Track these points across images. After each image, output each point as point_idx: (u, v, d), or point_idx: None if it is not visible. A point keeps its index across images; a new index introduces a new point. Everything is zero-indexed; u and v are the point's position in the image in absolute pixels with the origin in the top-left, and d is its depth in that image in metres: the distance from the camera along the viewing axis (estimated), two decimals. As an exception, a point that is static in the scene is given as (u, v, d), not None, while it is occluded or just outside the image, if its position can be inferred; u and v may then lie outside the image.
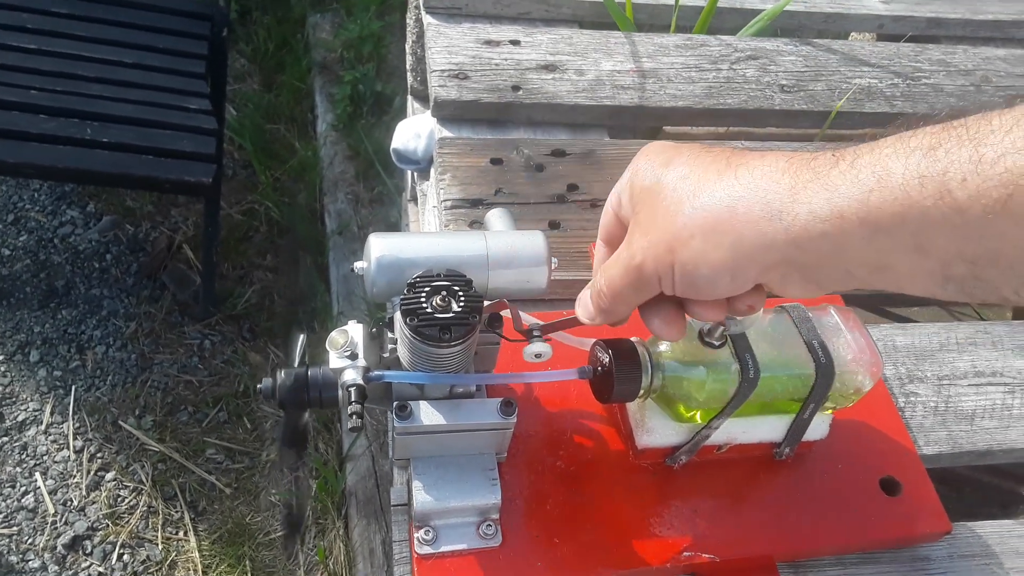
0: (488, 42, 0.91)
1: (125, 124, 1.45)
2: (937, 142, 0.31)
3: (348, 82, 2.02)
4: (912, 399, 0.70)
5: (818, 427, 0.58)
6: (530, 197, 0.77)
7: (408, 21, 1.11)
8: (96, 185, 1.83)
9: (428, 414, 0.49)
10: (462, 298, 0.46)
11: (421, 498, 0.50)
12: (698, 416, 0.53)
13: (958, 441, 0.67)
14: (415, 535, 0.51)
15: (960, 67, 1.02)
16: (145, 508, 1.43)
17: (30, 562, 1.35)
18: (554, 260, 0.50)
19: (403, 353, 0.48)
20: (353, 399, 0.46)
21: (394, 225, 1.80)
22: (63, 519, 1.40)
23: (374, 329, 0.52)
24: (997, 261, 0.31)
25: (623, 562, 0.53)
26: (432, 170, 0.87)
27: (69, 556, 1.37)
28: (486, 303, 0.49)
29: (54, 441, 1.49)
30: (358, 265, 0.49)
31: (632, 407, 0.57)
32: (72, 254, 1.76)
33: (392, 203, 1.87)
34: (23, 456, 1.47)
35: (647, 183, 0.41)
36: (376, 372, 0.48)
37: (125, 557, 1.38)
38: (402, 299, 0.46)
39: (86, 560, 1.37)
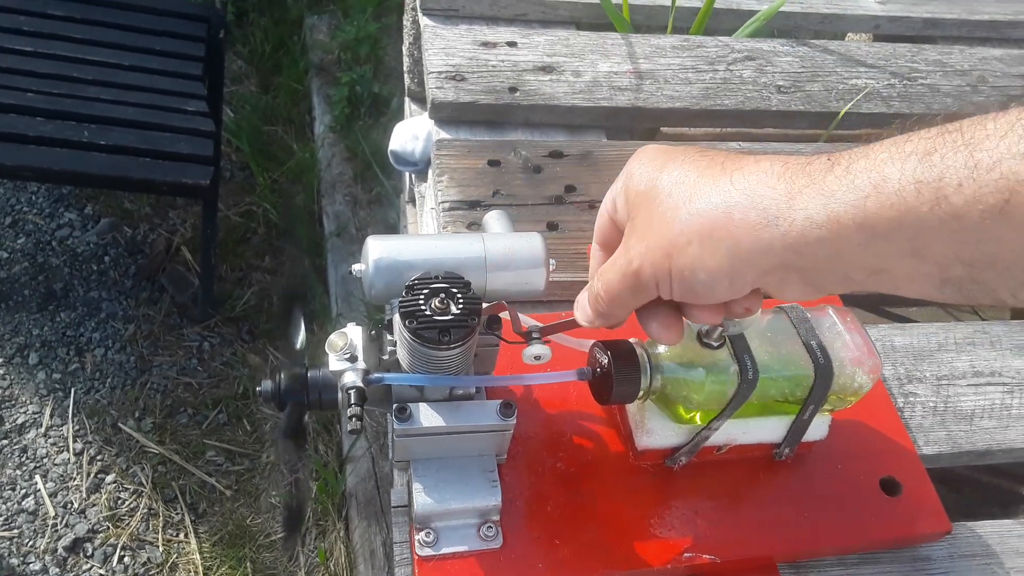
0: (485, 44, 0.91)
1: (122, 126, 1.45)
2: (932, 147, 0.31)
3: (345, 84, 2.02)
4: (911, 399, 0.70)
5: (818, 428, 0.58)
6: (528, 198, 0.77)
7: (405, 23, 1.11)
8: (94, 187, 1.82)
9: (428, 416, 0.49)
10: (461, 300, 0.46)
11: (422, 500, 0.51)
12: (697, 417, 0.53)
13: (957, 441, 0.67)
14: (416, 537, 0.51)
15: (957, 67, 1.02)
16: (145, 510, 1.43)
17: (31, 565, 1.35)
18: (552, 262, 0.51)
19: (402, 355, 0.48)
20: (353, 401, 0.46)
21: (392, 227, 1.80)
22: (64, 521, 1.40)
23: (373, 331, 0.52)
24: (994, 264, 0.31)
25: (624, 563, 0.53)
26: (430, 172, 0.87)
27: (70, 558, 1.37)
28: (484, 305, 0.49)
29: (54, 444, 1.49)
30: (356, 267, 0.49)
31: (632, 408, 0.57)
32: (70, 256, 1.75)
33: (390, 205, 1.88)
34: (23, 459, 1.47)
35: (642, 187, 0.41)
36: (375, 374, 0.48)
37: (126, 559, 1.38)
38: (401, 301, 0.46)
39: (87, 563, 1.36)
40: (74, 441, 1.50)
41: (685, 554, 0.53)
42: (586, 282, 0.48)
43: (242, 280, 1.79)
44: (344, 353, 0.48)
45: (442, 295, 0.46)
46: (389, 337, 0.51)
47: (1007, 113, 0.30)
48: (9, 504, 1.41)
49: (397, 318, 0.46)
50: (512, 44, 0.92)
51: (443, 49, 0.90)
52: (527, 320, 0.52)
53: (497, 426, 0.50)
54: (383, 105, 2.07)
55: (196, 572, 1.38)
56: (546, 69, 0.90)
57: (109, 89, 1.50)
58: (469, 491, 0.51)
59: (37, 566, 1.35)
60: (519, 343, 0.50)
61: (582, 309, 0.47)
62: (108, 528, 1.40)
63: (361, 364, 0.48)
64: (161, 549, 1.39)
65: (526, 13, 1.00)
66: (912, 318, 0.91)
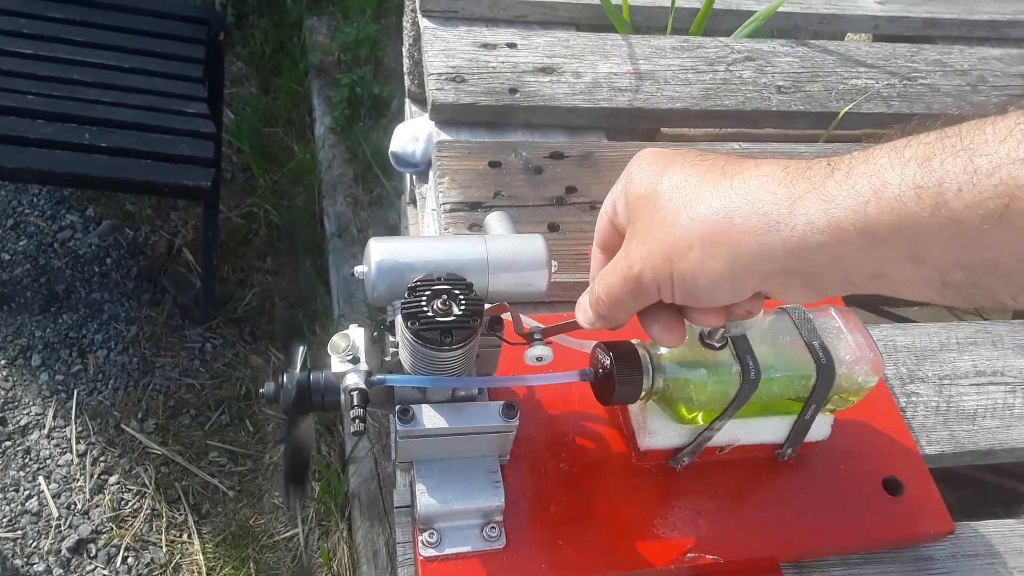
0: (485, 45, 0.92)
1: (123, 129, 1.45)
2: (932, 152, 0.31)
3: (345, 85, 2.02)
4: (913, 399, 0.70)
5: (820, 428, 0.58)
6: (529, 200, 0.77)
7: (405, 24, 1.11)
8: (95, 189, 1.83)
9: (430, 417, 0.49)
10: (463, 302, 0.46)
11: (425, 501, 0.51)
12: (700, 418, 0.53)
13: (960, 441, 0.67)
14: (419, 538, 0.51)
15: (956, 67, 1.02)
16: (149, 511, 1.44)
17: (35, 566, 1.35)
18: (554, 263, 0.51)
19: (405, 357, 0.48)
20: (356, 403, 0.47)
21: (393, 228, 1.80)
22: (67, 523, 1.41)
23: (375, 333, 0.52)
24: (995, 269, 0.31)
25: (626, 563, 0.53)
26: (431, 173, 0.87)
27: (73, 559, 1.37)
28: (486, 306, 0.49)
29: (57, 445, 1.49)
30: (358, 269, 0.49)
31: (634, 409, 0.57)
32: (72, 258, 1.76)
33: (391, 206, 1.88)
34: (26, 460, 1.47)
35: (642, 191, 0.41)
36: (378, 376, 0.48)
37: (129, 560, 1.38)
38: (403, 303, 0.46)
39: (90, 563, 1.37)
40: (77, 442, 1.50)
41: (688, 554, 0.54)
42: (587, 283, 0.48)
43: (244, 281, 1.79)
44: (346, 355, 0.48)
45: (444, 296, 0.46)
46: (391, 339, 0.51)
47: (1006, 117, 0.30)
48: (13, 505, 1.41)
49: (399, 319, 0.46)
50: (512, 45, 0.92)
51: (443, 51, 0.90)
52: (529, 321, 0.52)
53: (500, 427, 0.50)
54: (383, 106, 2.07)
55: (199, 573, 1.38)
56: (546, 70, 0.90)
57: (110, 91, 1.50)
58: (472, 492, 0.51)
59: (41, 567, 1.35)
60: (521, 344, 0.51)
61: (583, 311, 0.47)
62: (111, 529, 1.41)
63: (363, 366, 0.48)
64: (164, 550, 1.40)
65: (526, 14, 1.00)
66: (914, 318, 0.91)
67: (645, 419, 0.56)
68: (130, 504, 1.44)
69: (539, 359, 0.50)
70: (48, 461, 1.48)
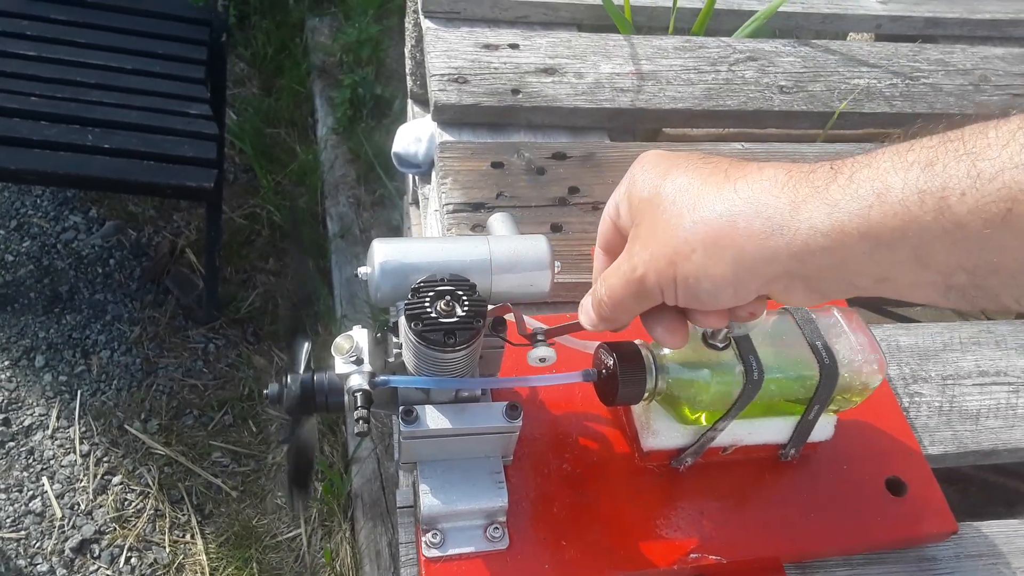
0: (487, 46, 0.92)
1: (126, 130, 1.45)
2: (935, 156, 0.31)
3: (347, 86, 2.02)
4: (916, 399, 0.70)
5: (823, 428, 0.58)
6: (531, 200, 0.77)
7: (407, 25, 1.11)
8: (98, 191, 1.83)
9: (434, 418, 0.49)
10: (466, 303, 0.46)
11: (428, 501, 0.51)
12: (703, 418, 0.53)
13: (963, 441, 0.67)
14: (423, 538, 0.51)
15: (959, 67, 1.02)
16: (152, 511, 1.44)
17: (38, 566, 1.35)
18: (557, 264, 0.51)
19: (408, 358, 0.49)
20: (359, 404, 0.47)
21: (396, 228, 1.80)
22: (71, 523, 1.41)
23: (379, 334, 0.52)
24: (998, 272, 0.31)
25: (630, 564, 0.53)
26: (433, 174, 0.87)
27: (77, 560, 1.37)
28: (490, 307, 0.49)
29: (60, 445, 1.50)
30: (362, 270, 0.49)
31: (637, 410, 0.57)
32: (75, 259, 1.76)
33: (394, 206, 1.88)
34: (30, 460, 1.48)
35: (646, 194, 0.41)
36: (382, 377, 0.48)
37: (133, 560, 1.38)
38: (406, 304, 0.46)
39: (94, 563, 1.37)
40: (80, 443, 1.50)
41: (691, 555, 0.54)
42: (590, 284, 0.48)
43: (246, 282, 1.80)
44: (350, 356, 0.49)
45: (448, 297, 0.46)
46: (395, 339, 0.51)
47: (1008, 121, 0.30)
48: (16, 506, 1.42)
49: (403, 320, 0.46)
50: (514, 46, 0.92)
51: (445, 51, 0.90)
52: (532, 322, 0.52)
53: (503, 428, 0.50)
54: (385, 107, 2.07)
55: (202, 573, 1.38)
56: (548, 71, 0.90)
57: (112, 93, 1.50)
58: (475, 492, 0.51)
59: (44, 567, 1.35)
60: (524, 345, 0.51)
61: (586, 313, 0.47)
62: (115, 529, 1.41)
63: (367, 367, 0.48)
64: (167, 550, 1.40)
65: (528, 15, 1.00)
66: (917, 318, 0.91)
67: (648, 420, 0.56)
68: (133, 504, 1.45)
69: (542, 360, 0.50)
70: (52, 461, 1.48)
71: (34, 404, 1.55)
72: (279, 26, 2.29)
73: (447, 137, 0.86)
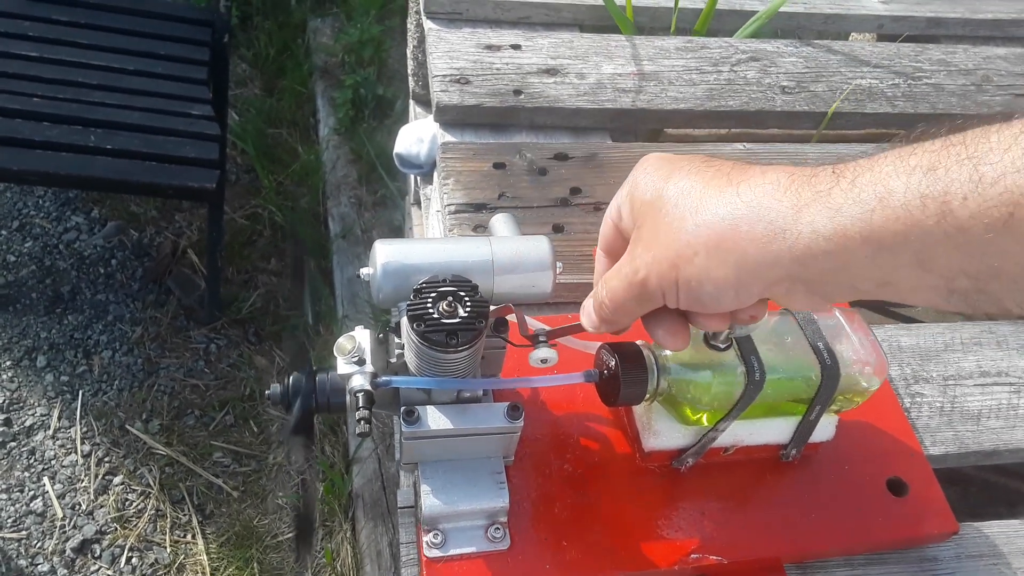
0: (489, 47, 0.92)
1: (128, 131, 1.45)
2: (937, 161, 0.31)
3: (349, 86, 2.02)
4: (918, 399, 0.70)
5: (824, 428, 0.58)
6: (533, 201, 0.77)
7: (409, 26, 1.11)
8: (100, 191, 1.83)
9: (435, 419, 0.49)
10: (468, 303, 0.46)
11: (429, 502, 0.51)
12: (704, 419, 0.53)
13: (964, 441, 0.67)
14: (424, 538, 0.52)
15: (961, 67, 1.02)
16: (153, 511, 1.44)
17: (39, 566, 1.36)
18: (559, 264, 0.51)
19: (410, 358, 0.49)
20: (361, 404, 0.47)
21: (398, 229, 1.80)
22: (72, 523, 1.41)
23: (380, 335, 0.52)
24: (999, 277, 0.31)
25: (631, 564, 0.53)
26: (435, 175, 0.88)
27: (78, 560, 1.37)
28: (492, 308, 0.49)
29: (62, 446, 1.50)
30: (364, 271, 0.49)
31: (639, 410, 0.57)
32: (77, 260, 1.76)
33: (395, 207, 1.88)
34: (31, 461, 1.48)
35: (648, 197, 0.41)
36: (383, 377, 0.49)
37: (134, 560, 1.38)
38: (408, 305, 0.46)
39: (95, 564, 1.37)
40: (82, 443, 1.50)
41: (692, 555, 0.54)
42: (592, 284, 0.48)
43: (248, 282, 1.80)
44: (352, 356, 0.49)
45: (449, 298, 0.46)
46: (397, 340, 0.51)
47: (1011, 125, 0.30)
48: (17, 506, 1.42)
49: (405, 321, 0.46)
50: (516, 47, 0.92)
51: (447, 52, 0.90)
52: (534, 323, 0.52)
53: (504, 428, 0.51)
54: (387, 107, 2.07)
55: (203, 573, 1.38)
56: (550, 71, 0.90)
57: (114, 94, 1.51)
58: (477, 493, 0.51)
59: (45, 567, 1.36)
60: (526, 346, 0.51)
61: (587, 315, 0.47)
62: (116, 529, 1.41)
63: (369, 367, 0.48)
64: (168, 550, 1.40)
65: (530, 16, 1.00)
66: (918, 318, 0.90)
67: (650, 420, 0.56)
68: (134, 504, 1.45)
69: (544, 361, 0.50)
70: (53, 462, 1.48)
71: (35, 404, 1.55)
72: (281, 27, 2.29)
73: (449, 138, 0.86)
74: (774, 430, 0.57)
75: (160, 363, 1.63)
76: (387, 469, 1.46)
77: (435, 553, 0.51)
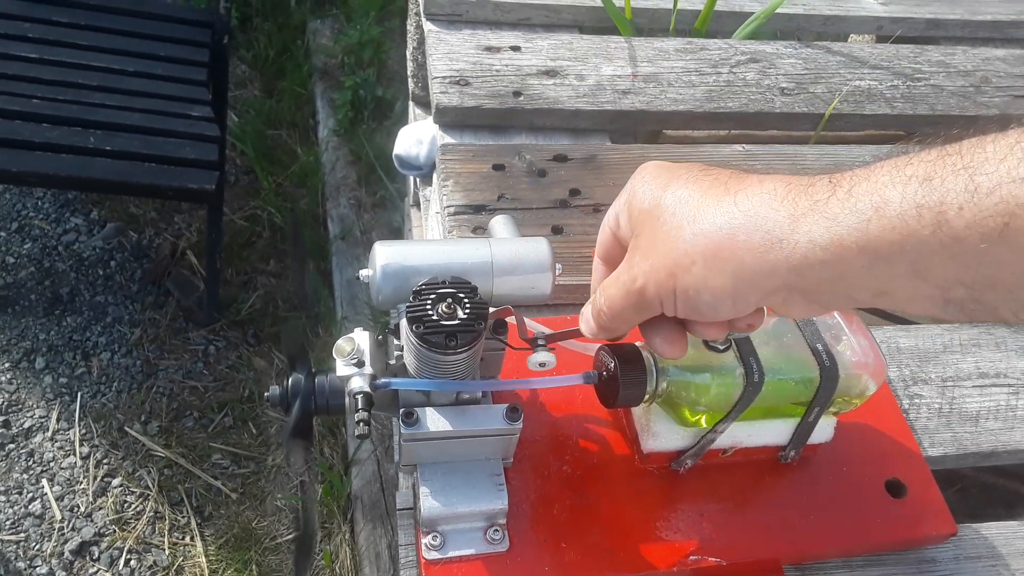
0: (489, 48, 0.92)
1: (128, 132, 1.45)
2: (933, 171, 0.31)
3: (349, 87, 2.02)
4: (916, 401, 0.70)
5: (823, 430, 0.58)
6: (532, 202, 0.77)
7: (408, 27, 1.11)
8: (99, 193, 1.83)
9: (435, 420, 0.49)
10: (467, 305, 0.46)
11: (428, 504, 0.51)
12: (703, 420, 0.53)
13: (963, 443, 0.67)
14: (423, 540, 0.52)
15: (960, 68, 1.02)
16: (152, 513, 1.44)
17: (38, 568, 1.35)
18: (558, 266, 0.51)
19: (409, 360, 0.49)
20: (360, 406, 0.47)
21: (397, 230, 1.80)
22: (70, 525, 1.41)
23: (380, 336, 0.52)
24: (995, 287, 0.31)
25: (630, 566, 0.53)
26: (435, 176, 0.88)
27: (76, 562, 1.37)
28: (491, 310, 0.49)
29: (60, 447, 1.50)
30: (363, 273, 0.50)
31: (637, 412, 0.57)
32: (76, 261, 1.76)
33: (395, 208, 1.88)
34: (30, 462, 1.48)
35: (646, 205, 0.41)
36: (383, 379, 0.49)
37: (132, 562, 1.38)
38: (408, 306, 0.46)
39: (93, 566, 1.37)
40: (80, 445, 1.50)
41: (691, 557, 0.54)
42: (591, 285, 0.48)
43: (247, 284, 1.80)
44: (351, 358, 0.49)
45: (449, 300, 0.46)
46: (396, 342, 0.51)
47: (1006, 135, 0.30)
48: (16, 508, 1.42)
49: (404, 323, 0.46)
50: (516, 48, 0.92)
51: (447, 54, 0.90)
52: (533, 325, 0.52)
53: (504, 430, 0.51)
54: (387, 109, 2.07)
55: (202, 575, 1.38)
56: (550, 73, 0.90)
57: (114, 95, 1.51)
58: (475, 494, 0.51)
59: (44, 569, 1.35)
60: (525, 349, 0.51)
61: (586, 321, 0.47)
62: (114, 531, 1.41)
63: (368, 369, 0.48)
64: (167, 552, 1.40)
65: (529, 17, 1.00)
66: (917, 320, 0.91)
67: (648, 422, 0.56)
68: (133, 506, 1.45)
69: (542, 365, 0.50)
70: (51, 464, 1.48)
71: (34, 406, 1.55)
72: (281, 28, 2.29)
73: (448, 139, 0.86)
74: (773, 432, 0.57)
75: (159, 365, 1.63)
76: (386, 471, 1.46)
77: (434, 555, 0.51)
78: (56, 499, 1.43)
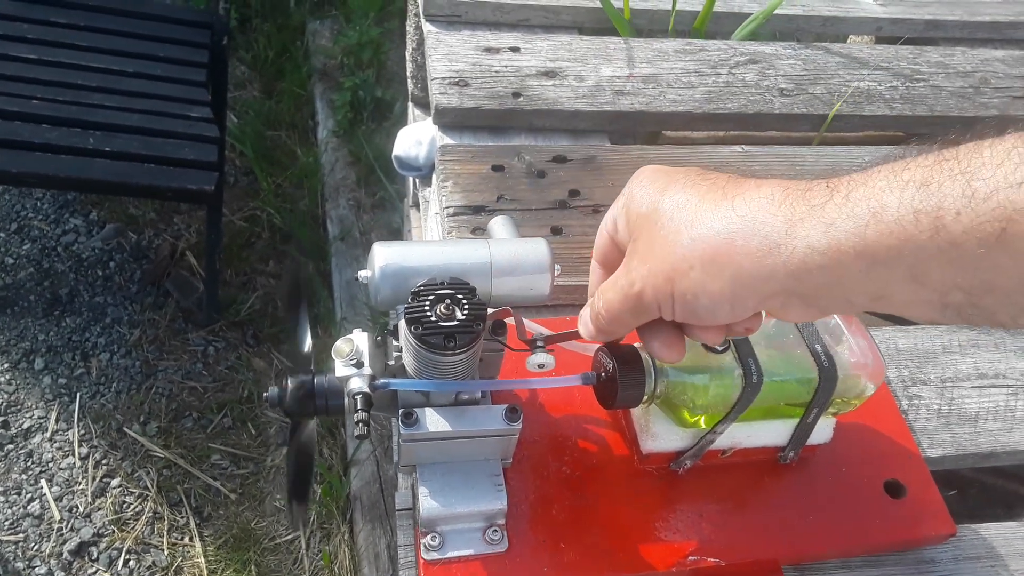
0: (488, 49, 0.92)
1: (127, 133, 1.45)
2: (930, 176, 0.31)
3: (348, 88, 2.02)
4: (915, 402, 0.70)
5: (822, 431, 0.58)
6: (532, 203, 0.77)
7: (408, 28, 1.11)
8: (99, 193, 1.83)
9: (434, 421, 0.49)
10: (466, 306, 0.46)
11: (427, 504, 0.51)
12: (702, 421, 0.53)
13: (962, 443, 0.67)
14: (422, 541, 0.52)
15: (959, 69, 1.03)
16: (151, 514, 1.44)
17: (36, 568, 1.35)
18: (557, 267, 0.51)
19: (408, 361, 0.49)
20: (359, 407, 0.47)
21: (396, 231, 1.80)
22: (69, 525, 1.41)
23: (379, 337, 0.52)
24: (993, 291, 0.31)
25: (629, 566, 0.53)
26: (434, 177, 0.88)
27: (75, 562, 1.37)
28: (490, 311, 0.49)
29: (59, 448, 1.50)
30: (362, 274, 0.50)
31: (636, 412, 0.57)
32: (75, 262, 1.76)
33: (394, 209, 1.88)
34: (29, 463, 1.47)
35: (643, 210, 0.42)
36: (382, 380, 0.49)
37: (131, 563, 1.38)
38: (406, 307, 0.46)
39: (92, 566, 1.37)
40: (79, 445, 1.50)
41: (690, 557, 0.54)
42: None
43: (246, 284, 1.80)
44: (350, 359, 0.49)
45: (447, 301, 0.46)
46: (395, 343, 0.51)
47: (1003, 140, 0.30)
48: (15, 508, 1.42)
49: (403, 324, 0.46)
50: (515, 49, 0.93)
51: (446, 55, 0.90)
52: (532, 326, 0.52)
53: (503, 431, 0.51)
54: (386, 110, 2.08)
55: (201, 575, 1.38)
56: (549, 74, 0.90)
57: (113, 96, 1.51)
58: (475, 495, 0.51)
59: (43, 570, 1.35)
60: (524, 350, 0.51)
61: (584, 324, 0.47)
62: (113, 532, 1.41)
63: (367, 370, 0.48)
64: (166, 552, 1.40)
65: (529, 18, 1.00)
66: (916, 320, 0.91)
67: (647, 422, 0.56)
68: (132, 507, 1.44)
69: (541, 366, 0.50)
70: (50, 464, 1.48)
71: (33, 407, 1.54)
72: (280, 29, 2.29)
73: (448, 140, 0.86)
74: (772, 432, 0.57)
75: (158, 365, 1.63)
76: (385, 471, 1.46)
77: (433, 555, 0.51)
78: (55, 499, 1.43)
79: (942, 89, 0.99)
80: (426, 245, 0.50)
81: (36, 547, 1.38)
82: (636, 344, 0.53)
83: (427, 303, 0.46)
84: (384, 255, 0.48)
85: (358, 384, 0.48)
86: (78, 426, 1.52)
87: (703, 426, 0.54)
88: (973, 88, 1.00)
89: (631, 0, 1.02)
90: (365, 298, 1.62)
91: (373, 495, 1.43)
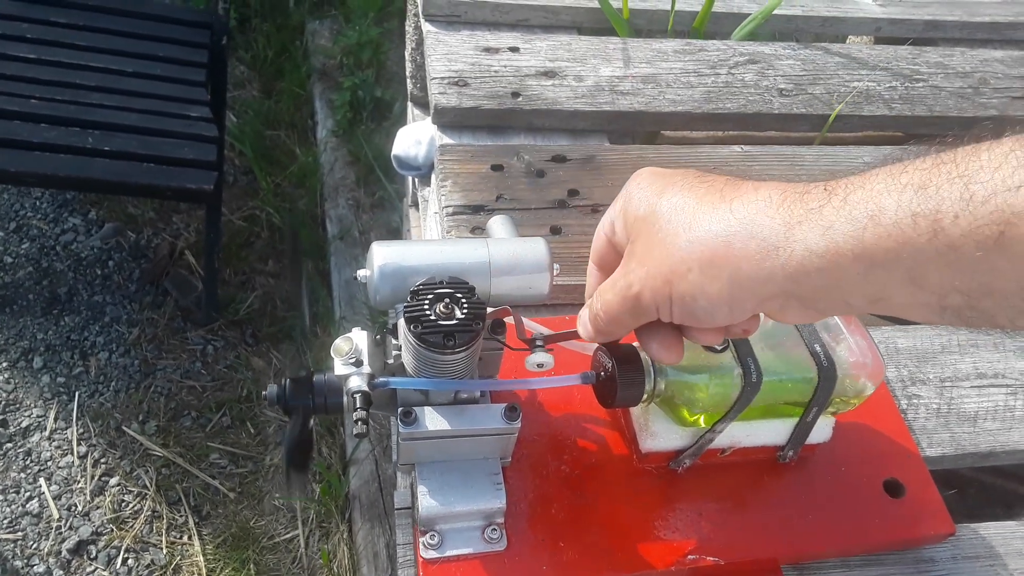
0: (487, 49, 0.92)
1: (126, 132, 1.45)
2: (928, 179, 0.31)
3: (347, 88, 2.02)
4: (915, 401, 0.70)
5: (821, 430, 0.58)
6: (531, 203, 0.77)
7: (407, 28, 1.11)
8: (97, 193, 1.83)
9: (433, 420, 0.49)
10: (465, 305, 0.46)
11: (426, 503, 0.51)
12: (702, 420, 0.53)
13: (961, 443, 0.68)
14: (421, 540, 0.52)
15: (958, 69, 1.03)
16: (149, 513, 1.44)
17: (35, 567, 1.35)
18: (556, 266, 0.51)
19: (407, 360, 0.49)
20: (358, 405, 0.47)
21: (395, 230, 1.80)
22: (68, 524, 1.41)
23: (378, 336, 0.52)
24: (991, 294, 0.31)
25: (628, 565, 0.53)
26: (433, 176, 0.88)
27: (74, 561, 1.37)
28: (489, 310, 0.49)
29: (58, 447, 1.50)
30: (361, 273, 0.50)
31: (636, 411, 0.57)
32: (74, 261, 1.76)
33: (393, 208, 1.88)
34: (27, 462, 1.47)
35: (641, 212, 0.42)
36: (381, 379, 0.49)
37: (130, 562, 1.38)
38: (405, 307, 0.46)
39: (91, 565, 1.37)
40: (78, 444, 1.50)
41: (689, 556, 0.54)
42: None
43: (245, 284, 1.80)
44: (349, 357, 0.49)
45: (447, 300, 0.46)
46: (394, 342, 0.51)
47: (1001, 144, 0.30)
48: (14, 507, 1.42)
49: (402, 323, 0.46)
50: (514, 49, 0.93)
51: (446, 55, 0.90)
52: (532, 325, 0.52)
53: (502, 430, 0.51)
54: (385, 109, 2.08)
55: (200, 574, 1.38)
56: (548, 74, 0.90)
57: (112, 95, 1.51)
58: (474, 494, 0.51)
59: (41, 568, 1.35)
60: (523, 350, 0.51)
61: (583, 326, 0.47)
62: (112, 530, 1.41)
63: (366, 368, 0.48)
64: (165, 551, 1.40)
65: (528, 18, 1.00)
66: (915, 320, 0.91)
67: (647, 421, 0.56)
68: (131, 506, 1.44)
69: (540, 366, 0.50)
70: (49, 463, 1.48)
71: (32, 406, 1.54)
72: (279, 29, 2.29)
73: (447, 140, 0.86)
74: (771, 432, 0.57)
75: (157, 364, 1.63)
76: (384, 470, 1.46)
77: (432, 554, 0.51)
78: (54, 498, 1.43)
79: (941, 89, 0.99)
80: (425, 244, 0.50)
81: (35, 545, 1.38)
82: (636, 343, 0.53)
83: (426, 302, 0.46)
84: (383, 254, 0.48)
85: (357, 383, 0.48)
86: (77, 425, 1.52)
87: (702, 425, 0.54)
88: (972, 88, 1.00)
89: (630, 0, 1.02)
90: (364, 297, 1.62)
91: (372, 494, 1.43)
